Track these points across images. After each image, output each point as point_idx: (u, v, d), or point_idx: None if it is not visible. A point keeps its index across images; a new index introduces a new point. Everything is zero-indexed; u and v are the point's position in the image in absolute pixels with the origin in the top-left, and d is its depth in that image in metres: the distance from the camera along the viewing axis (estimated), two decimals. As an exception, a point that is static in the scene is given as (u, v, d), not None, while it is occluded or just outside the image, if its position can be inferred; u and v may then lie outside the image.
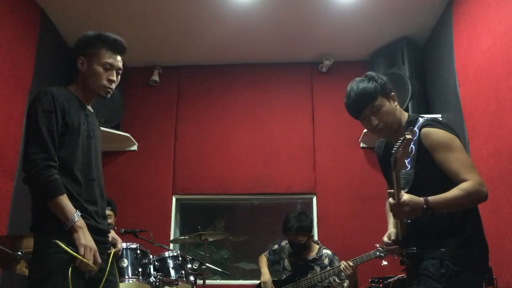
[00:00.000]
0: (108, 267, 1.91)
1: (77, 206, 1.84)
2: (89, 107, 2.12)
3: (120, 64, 2.07)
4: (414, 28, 4.21)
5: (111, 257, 1.96)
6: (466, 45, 3.46)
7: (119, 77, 2.09)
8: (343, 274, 3.37)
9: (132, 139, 4.52)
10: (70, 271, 1.71)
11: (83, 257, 1.74)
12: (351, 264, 3.17)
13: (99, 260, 1.80)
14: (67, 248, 1.72)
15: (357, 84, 1.98)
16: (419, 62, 4.35)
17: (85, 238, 1.78)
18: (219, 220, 4.85)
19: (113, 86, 2.05)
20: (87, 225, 1.84)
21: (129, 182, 4.50)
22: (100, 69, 2.00)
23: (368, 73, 2.04)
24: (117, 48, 2.04)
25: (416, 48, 4.37)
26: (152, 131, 4.68)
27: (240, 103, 4.76)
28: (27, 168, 1.79)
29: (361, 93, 1.95)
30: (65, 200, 1.79)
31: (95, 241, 1.85)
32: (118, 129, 4.39)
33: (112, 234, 2.10)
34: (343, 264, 3.22)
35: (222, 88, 4.82)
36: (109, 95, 2.06)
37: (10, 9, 3.48)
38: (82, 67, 2.02)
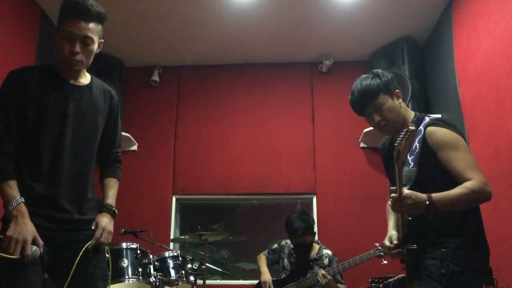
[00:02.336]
0: (78, 258, 1.76)
1: (24, 190, 1.74)
2: (82, 80, 1.93)
3: (86, 32, 1.79)
4: (414, 28, 4.21)
5: (84, 248, 1.79)
6: (466, 45, 3.46)
7: (93, 46, 1.85)
8: (339, 276, 3.38)
9: (132, 139, 4.52)
10: None
11: (8, 249, 1.63)
12: (327, 276, 3.18)
13: (28, 252, 1.64)
14: None
15: (361, 81, 2.01)
16: (419, 62, 4.35)
17: (15, 227, 1.65)
18: (219, 226, 4.84)
19: (79, 57, 1.82)
20: (34, 213, 1.72)
21: (129, 182, 4.48)
22: (62, 40, 1.79)
23: (374, 70, 2.05)
24: (78, 12, 1.77)
25: (416, 48, 4.37)
26: (152, 131, 4.68)
27: (240, 103, 4.76)
28: None
29: (364, 90, 1.97)
30: (6, 187, 1.71)
31: (51, 229, 1.76)
32: (118, 129, 4.38)
33: (97, 220, 1.90)
34: (320, 273, 3.22)
35: (222, 88, 4.82)
36: (75, 67, 1.85)
37: (10, 9, 3.48)
38: (55, 39, 1.85)
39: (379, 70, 2.04)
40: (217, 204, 4.81)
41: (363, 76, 2.04)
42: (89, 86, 1.96)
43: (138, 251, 2.92)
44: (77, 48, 1.80)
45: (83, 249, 1.80)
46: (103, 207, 1.96)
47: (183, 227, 4.61)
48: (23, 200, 1.72)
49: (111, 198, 2.00)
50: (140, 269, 2.87)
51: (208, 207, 4.87)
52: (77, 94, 1.90)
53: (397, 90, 2.01)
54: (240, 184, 4.49)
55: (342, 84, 4.47)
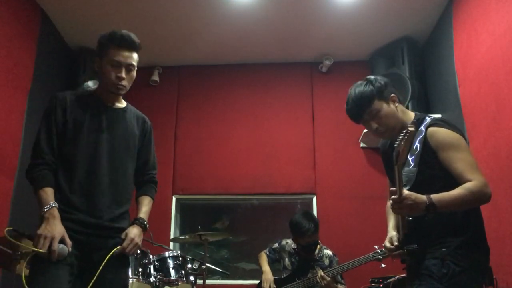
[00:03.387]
0: (103, 263, 1.87)
1: (60, 198, 1.91)
2: (118, 104, 2.15)
3: (130, 60, 2.08)
4: (414, 28, 4.21)
5: (110, 253, 1.91)
6: (466, 45, 3.46)
7: (134, 73, 2.13)
8: (339, 277, 3.37)
9: (132, 139, 4.51)
10: (27, 259, 1.84)
11: (37, 245, 1.78)
12: (326, 278, 3.18)
13: (55, 248, 1.78)
14: (10, 238, 1.85)
15: (355, 89, 2.01)
16: (419, 62, 4.36)
17: (45, 226, 1.80)
18: (222, 222, 4.83)
19: (124, 82, 2.07)
20: (66, 218, 1.87)
21: (129, 182, 4.49)
22: (109, 67, 2.04)
23: (367, 76, 2.04)
24: (124, 44, 2.06)
25: (416, 48, 4.37)
26: (152, 131, 4.67)
27: (240, 103, 4.76)
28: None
29: (358, 98, 1.97)
30: (42, 193, 1.87)
31: (82, 233, 1.89)
32: (118, 129, 4.38)
33: (127, 230, 2.02)
34: (319, 274, 3.21)
35: (222, 88, 4.82)
36: (121, 91, 2.09)
37: (10, 9, 3.48)
38: (97, 67, 2.09)
39: (372, 76, 2.03)
40: (217, 204, 4.81)
41: (357, 83, 2.03)
42: (123, 110, 2.18)
43: (138, 251, 2.92)
44: (123, 74, 2.05)
45: (109, 255, 1.91)
46: (135, 220, 2.09)
47: (183, 227, 4.61)
48: (56, 205, 1.87)
49: (143, 213, 2.13)
50: (140, 269, 2.87)
51: (208, 207, 4.87)
52: (111, 113, 2.10)
53: (392, 95, 1.99)
54: (240, 184, 4.49)
55: (342, 84, 4.46)
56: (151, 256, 3.02)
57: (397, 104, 2.00)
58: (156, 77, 4.78)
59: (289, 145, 4.58)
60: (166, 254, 3.12)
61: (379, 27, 4.19)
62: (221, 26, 4.19)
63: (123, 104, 2.21)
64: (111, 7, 3.91)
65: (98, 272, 1.86)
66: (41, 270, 1.81)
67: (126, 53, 2.07)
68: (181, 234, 4.48)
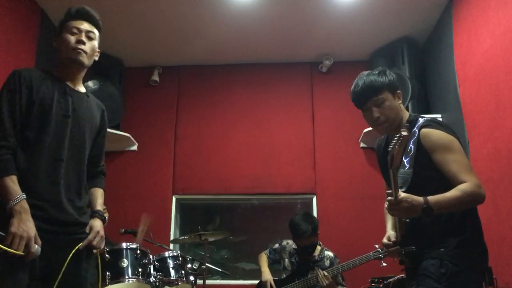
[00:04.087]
0: (68, 259, 1.78)
1: (25, 188, 1.75)
2: (80, 88, 2.05)
3: (89, 28, 2.02)
4: (414, 28, 4.21)
5: (73, 251, 1.82)
6: (466, 45, 3.46)
7: (95, 43, 2.05)
8: (340, 278, 3.37)
9: (132, 139, 4.52)
10: None
11: (10, 243, 1.63)
12: (328, 277, 3.17)
13: (32, 249, 1.66)
14: None
15: (367, 75, 2.02)
16: (419, 62, 4.35)
17: (19, 224, 1.66)
18: (214, 220, 4.84)
19: (84, 47, 1.98)
20: (34, 215, 1.73)
21: (129, 182, 4.50)
22: (68, 35, 1.98)
23: (380, 68, 2.07)
24: (81, 15, 2.03)
25: (416, 48, 4.37)
26: (152, 131, 4.68)
27: (240, 103, 4.76)
28: None
29: (369, 84, 1.98)
30: (9, 181, 1.71)
31: (51, 231, 1.78)
32: (118, 129, 4.39)
33: (91, 223, 1.95)
34: (321, 273, 3.20)
35: (222, 88, 4.82)
36: (81, 57, 1.98)
37: (10, 9, 3.48)
38: (57, 44, 2.02)
39: (386, 68, 2.06)
40: (217, 204, 4.81)
41: (370, 71, 2.04)
42: (86, 95, 2.08)
43: (138, 251, 2.92)
44: (83, 37, 1.98)
45: (74, 250, 1.82)
46: (95, 213, 2.02)
47: (183, 227, 4.61)
48: (25, 197, 1.73)
49: (99, 206, 2.06)
50: (140, 269, 2.86)
51: (208, 207, 4.87)
52: (76, 98, 2.00)
53: (398, 91, 2.03)
54: (240, 184, 4.49)
55: (342, 84, 4.47)
56: (151, 256, 3.02)
57: (400, 102, 2.03)
58: (156, 77, 4.77)
59: (289, 145, 4.58)
60: (166, 254, 3.12)
61: (379, 27, 4.19)
62: (221, 26, 4.19)
63: (83, 88, 2.10)
64: (110, 8, 3.91)
65: (64, 268, 1.76)
66: (4, 273, 1.65)
67: (85, 23, 2.02)
68: (181, 234, 4.48)
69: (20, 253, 1.64)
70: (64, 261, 1.79)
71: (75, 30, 1.98)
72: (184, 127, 4.71)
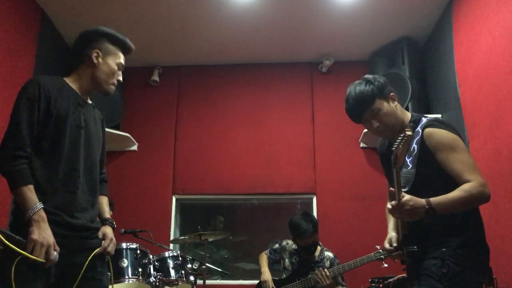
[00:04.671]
0: (86, 264, 1.84)
1: (43, 197, 1.78)
2: (88, 100, 2.11)
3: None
4: (414, 28, 4.21)
5: (92, 254, 1.89)
6: (466, 45, 3.46)
7: None
8: (340, 279, 3.37)
9: (132, 139, 4.52)
10: (14, 264, 1.65)
11: (32, 251, 1.66)
12: (328, 274, 3.16)
13: (51, 257, 1.70)
14: (7, 242, 1.64)
15: (355, 88, 2.00)
16: (419, 62, 4.36)
17: (39, 232, 1.70)
18: (215, 219, 4.83)
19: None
20: (51, 220, 1.77)
21: (129, 182, 4.50)
22: (115, 67, 2.07)
23: (366, 76, 2.04)
24: (127, 50, 2.14)
25: (416, 48, 4.37)
26: (152, 131, 4.68)
27: (240, 103, 4.76)
28: None
29: (359, 97, 1.96)
30: (27, 191, 1.74)
31: (66, 236, 1.82)
32: (118, 129, 4.39)
33: (104, 230, 2.03)
34: (322, 272, 3.20)
35: (222, 88, 4.82)
36: (112, 92, 2.12)
37: (10, 9, 3.48)
38: (97, 60, 2.03)
39: (370, 76, 2.03)
40: (217, 204, 4.81)
41: (356, 82, 2.02)
42: (93, 106, 2.14)
43: (138, 251, 2.92)
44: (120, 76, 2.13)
45: (91, 255, 1.88)
46: (105, 221, 2.09)
47: (183, 227, 4.61)
48: (43, 206, 1.77)
49: (108, 214, 2.14)
50: (140, 269, 2.87)
51: (208, 207, 4.87)
52: (86, 109, 2.05)
53: (391, 93, 2.00)
54: (240, 184, 4.49)
55: (342, 84, 4.44)
56: (151, 256, 3.02)
57: (396, 103, 2.00)
58: (156, 77, 4.78)
59: (289, 145, 4.58)
60: (166, 254, 3.12)
61: (379, 27, 4.19)
62: (221, 26, 4.19)
63: (90, 100, 2.16)
64: (111, 7, 3.91)
65: (82, 272, 1.83)
66: (24, 280, 1.68)
67: (123, 58, 2.15)
68: (181, 234, 4.48)
69: (41, 259, 1.69)
70: (79, 265, 1.85)
71: (121, 67, 2.10)
72: (184, 127, 4.71)
